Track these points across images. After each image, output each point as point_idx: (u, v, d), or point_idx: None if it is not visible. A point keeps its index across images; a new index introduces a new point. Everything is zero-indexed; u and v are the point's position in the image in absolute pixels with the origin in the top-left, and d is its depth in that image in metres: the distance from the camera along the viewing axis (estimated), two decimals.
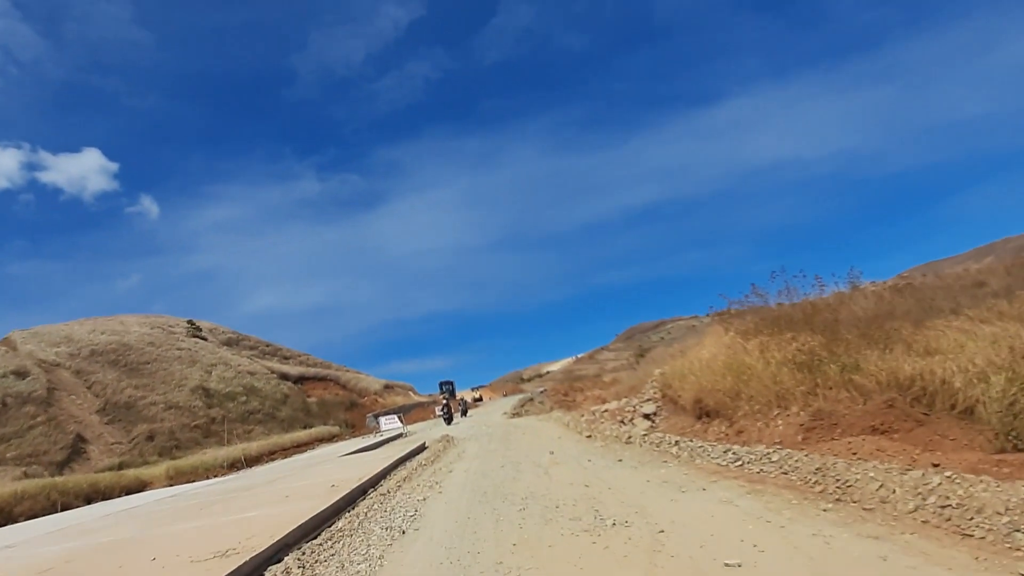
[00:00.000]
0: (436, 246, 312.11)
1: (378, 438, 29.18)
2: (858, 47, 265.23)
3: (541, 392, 50.82)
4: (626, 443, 12.94)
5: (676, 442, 10.45)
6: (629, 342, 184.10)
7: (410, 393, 70.35)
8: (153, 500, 17.45)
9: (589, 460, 10.93)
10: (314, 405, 56.12)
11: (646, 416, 15.73)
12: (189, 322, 62.25)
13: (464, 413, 38.18)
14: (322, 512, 8.58)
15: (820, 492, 6.24)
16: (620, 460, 10.31)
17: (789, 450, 7.76)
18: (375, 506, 9.41)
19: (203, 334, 62.46)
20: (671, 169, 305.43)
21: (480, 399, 71.71)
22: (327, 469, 15.94)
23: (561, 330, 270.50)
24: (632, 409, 16.62)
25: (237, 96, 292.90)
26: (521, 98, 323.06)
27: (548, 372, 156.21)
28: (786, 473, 7.11)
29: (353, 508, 9.43)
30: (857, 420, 7.84)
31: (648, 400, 16.32)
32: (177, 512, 12.18)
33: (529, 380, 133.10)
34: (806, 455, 7.20)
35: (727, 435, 9.94)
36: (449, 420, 31.84)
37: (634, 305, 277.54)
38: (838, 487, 6.12)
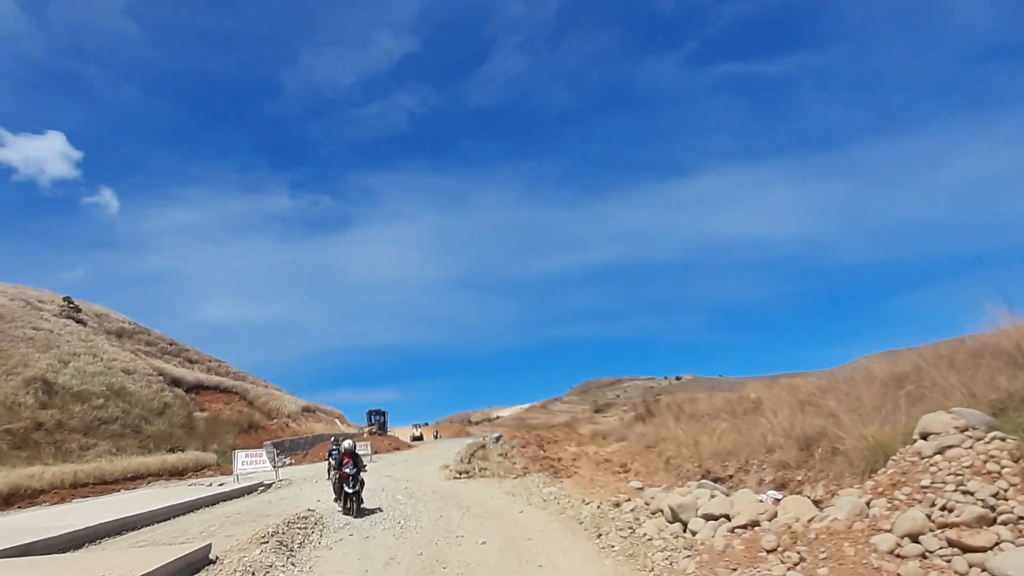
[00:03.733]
0: (397, 278, 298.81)
1: (231, 485, 16.15)
2: (826, 142, 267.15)
3: (497, 439, 37.74)
4: None
5: None
6: (584, 395, 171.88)
7: (336, 422, 56.01)
8: None
9: None
10: (201, 422, 41.75)
11: None
12: (66, 299, 47.64)
13: (355, 479, 11.75)
14: None
15: None
16: None
17: None
18: None
19: (81, 316, 47.86)
20: (636, 234, 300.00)
21: (420, 438, 58.15)
22: None
23: (511, 377, 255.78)
24: None
25: (218, 101, 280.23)
26: (500, 145, 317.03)
27: (498, 417, 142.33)
28: None
29: None
30: None
31: None
32: None
33: (477, 423, 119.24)
34: None
35: None
36: (355, 498, 11.52)
37: (585, 362, 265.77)
38: None
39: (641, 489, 12.15)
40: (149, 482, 23.40)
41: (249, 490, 15.61)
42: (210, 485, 17.12)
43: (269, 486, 16.48)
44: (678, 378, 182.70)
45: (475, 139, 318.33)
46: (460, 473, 16.93)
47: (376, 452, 30.99)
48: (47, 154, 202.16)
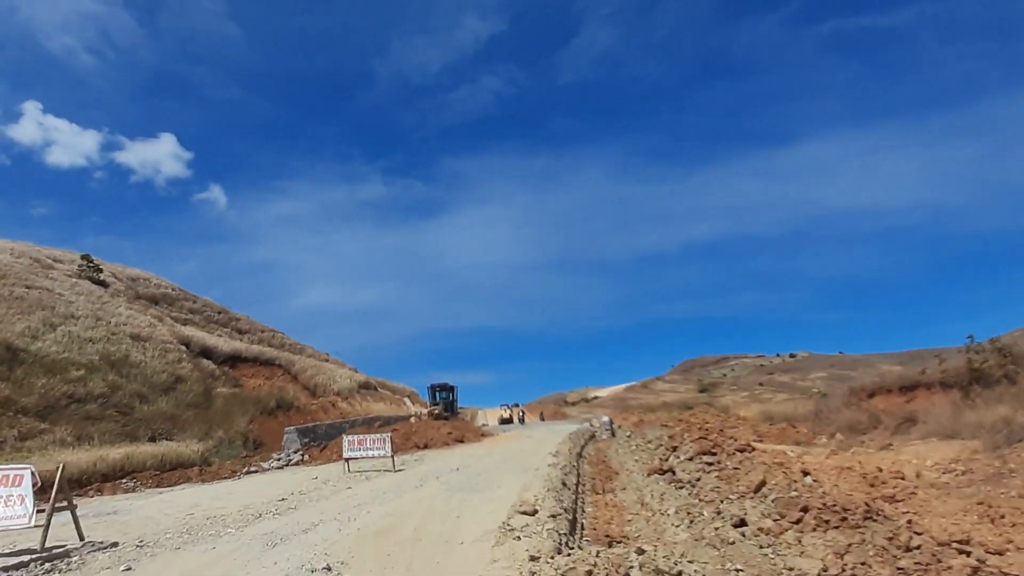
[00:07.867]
0: (491, 260, 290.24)
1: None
2: (951, 99, 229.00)
3: (609, 425, 25.06)
4: None
5: None
6: (687, 375, 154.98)
7: (406, 401, 45.22)
8: None
9: None
10: (220, 400, 31.56)
11: None
12: (84, 258, 39.33)
13: None
14: None
15: None
16: None
17: None
18: None
19: (103, 278, 39.31)
20: (737, 207, 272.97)
21: (510, 420, 46.48)
22: None
23: (607, 358, 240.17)
24: None
25: (314, 96, 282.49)
26: (591, 121, 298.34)
27: (596, 397, 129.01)
28: None
29: None
30: None
31: None
32: None
33: (574, 404, 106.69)
34: None
35: None
36: None
37: (686, 340, 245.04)
38: None
39: None
40: None
41: None
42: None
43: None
44: (792, 355, 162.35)
45: (565, 117, 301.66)
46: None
47: (424, 447, 19.12)
48: (161, 156, 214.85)
